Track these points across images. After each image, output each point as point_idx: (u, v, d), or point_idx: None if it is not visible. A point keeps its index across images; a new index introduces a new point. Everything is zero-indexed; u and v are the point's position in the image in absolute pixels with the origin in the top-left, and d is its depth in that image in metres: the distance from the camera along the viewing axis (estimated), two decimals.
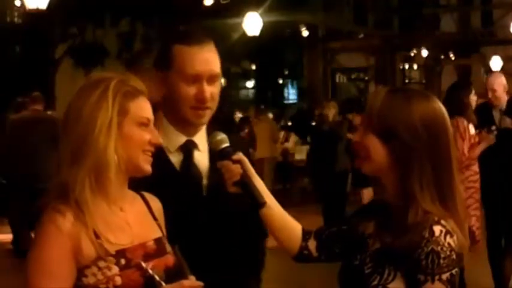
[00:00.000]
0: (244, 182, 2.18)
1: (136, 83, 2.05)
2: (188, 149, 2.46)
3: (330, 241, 2.17)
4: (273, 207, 2.21)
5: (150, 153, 2.04)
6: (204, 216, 2.40)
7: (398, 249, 1.90)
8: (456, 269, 1.90)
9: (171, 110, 2.43)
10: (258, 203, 2.17)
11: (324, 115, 10.44)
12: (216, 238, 2.42)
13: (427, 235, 1.88)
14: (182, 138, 2.46)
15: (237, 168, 2.19)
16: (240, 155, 2.21)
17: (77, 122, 1.96)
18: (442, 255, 1.87)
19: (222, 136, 2.26)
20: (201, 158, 2.47)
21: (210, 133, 2.44)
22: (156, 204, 2.14)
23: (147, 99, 2.07)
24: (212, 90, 2.42)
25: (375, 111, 1.98)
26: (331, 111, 10.31)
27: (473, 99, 6.10)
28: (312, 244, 2.19)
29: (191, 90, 2.39)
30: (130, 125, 2.00)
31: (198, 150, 2.47)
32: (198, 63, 2.39)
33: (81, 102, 1.98)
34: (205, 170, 2.46)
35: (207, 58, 2.42)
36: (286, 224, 2.21)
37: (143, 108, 2.04)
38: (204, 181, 2.45)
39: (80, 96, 2.00)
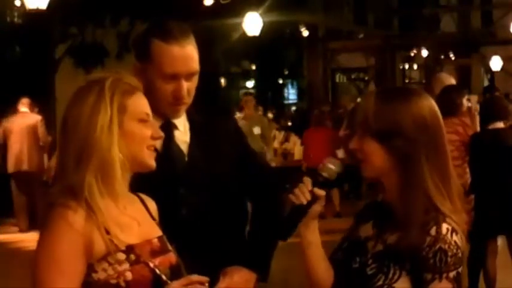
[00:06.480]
0: (301, 209, 2.03)
1: (131, 79, 2.06)
2: (168, 128, 2.47)
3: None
4: (317, 246, 2.10)
5: (153, 148, 2.05)
6: (184, 197, 2.46)
7: (404, 248, 1.88)
8: (461, 268, 1.90)
9: (149, 101, 2.46)
10: (282, 234, 2.05)
11: None
12: (199, 214, 2.46)
13: (434, 233, 1.87)
14: (161, 120, 2.48)
15: (308, 195, 2.03)
16: (322, 196, 2.05)
17: (77, 126, 1.95)
18: (450, 254, 1.87)
19: (335, 170, 2.07)
20: (181, 137, 2.51)
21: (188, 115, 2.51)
22: (152, 205, 2.15)
23: (143, 95, 2.07)
24: (189, 86, 2.45)
25: (370, 113, 1.97)
26: None
27: (467, 102, 6.04)
28: None
29: (169, 87, 2.42)
30: (130, 122, 2.00)
31: (178, 129, 2.52)
32: (176, 63, 2.41)
33: (78, 105, 1.97)
34: (186, 149, 2.51)
35: (186, 57, 2.43)
36: (323, 263, 2.10)
37: (141, 104, 2.05)
38: (186, 159, 2.50)
39: (76, 100, 1.99)
